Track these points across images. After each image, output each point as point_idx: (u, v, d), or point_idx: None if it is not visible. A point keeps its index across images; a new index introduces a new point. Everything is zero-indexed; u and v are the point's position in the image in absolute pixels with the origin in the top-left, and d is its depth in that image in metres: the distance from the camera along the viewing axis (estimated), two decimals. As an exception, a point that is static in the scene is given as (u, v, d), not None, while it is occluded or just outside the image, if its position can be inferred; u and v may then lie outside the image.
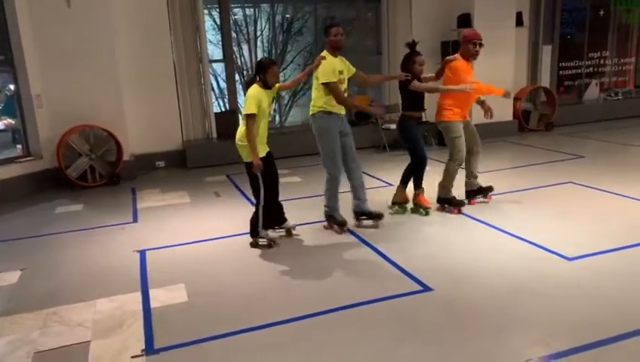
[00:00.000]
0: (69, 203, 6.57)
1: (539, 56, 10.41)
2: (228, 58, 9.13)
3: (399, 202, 5.41)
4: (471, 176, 5.50)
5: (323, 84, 4.66)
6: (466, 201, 5.48)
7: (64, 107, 7.25)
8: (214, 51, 11.26)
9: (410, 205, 5.42)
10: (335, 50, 4.78)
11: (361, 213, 5.06)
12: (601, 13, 11.05)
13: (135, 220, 5.74)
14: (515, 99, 9.82)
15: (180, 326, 3.37)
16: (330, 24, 4.90)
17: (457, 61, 5.17)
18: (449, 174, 5.28)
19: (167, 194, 6.74)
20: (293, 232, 4.92)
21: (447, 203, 5.32)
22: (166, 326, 3.38)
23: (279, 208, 4.87)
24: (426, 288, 3.71)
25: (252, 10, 11.98)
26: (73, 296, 3.87)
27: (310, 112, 4.88)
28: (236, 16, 12.22)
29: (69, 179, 7.18)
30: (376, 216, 5.05)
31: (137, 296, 3.83)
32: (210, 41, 10.98)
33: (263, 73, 4.43)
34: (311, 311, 3.44)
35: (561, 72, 10.99)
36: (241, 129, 4.52)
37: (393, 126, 8.08)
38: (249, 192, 4.81)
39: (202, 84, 8.57)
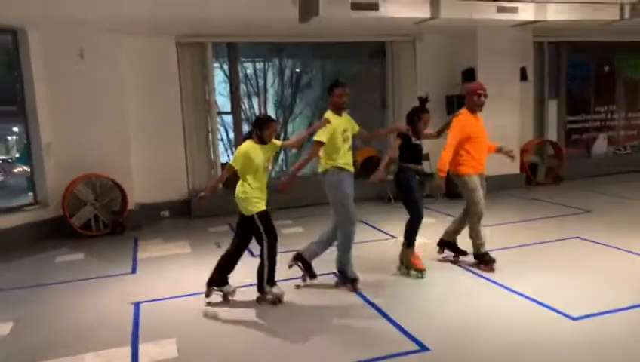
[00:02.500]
0: (71, 252, 6.56)
1: (544, 110, 10.47)
2: (235, 110, 9.29)
3: (413, 268, 5.15)
4: (454, 231, 5.41)
5: (315, 140, 4.69)
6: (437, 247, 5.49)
7: (72, 156, 7.35)
8: (226, 103, 11.50)
9: (402, 268, 5.15)
10: (338, 110, 4.83)
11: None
12: (606, 68, 11.15)
13: (134, 271, 5.70)
14: (522, 152, 9.80)
15: (167, 384, 3.27)
16: (334, 83, 4.85)
17: (460, 115, 5.19)
18: (473, 230, 5.15)
19: (169, 244, 6.71)
20: (231, 298, 4.69)
21: (479, 259, 5.16)
22: (152, 383, 3.28)
23: (230, 268, 4.74)
24: (424, 348, 3.58)
25: (262, 64, 12.28)
26: (62, 349, 3.80)
27: (320, 169, 4.85)
28: (247, 70, 12.54)
29: (73, 227, 7.21)
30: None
31: (127, 350, 3.74)
32: (221, 94, 11.24)
33: (260, 129, 4.48)
34: (302, 371, 3.33)
35: (568, 125, 11.00)
36: (240, 183, 4.55)
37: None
38: (250, 244, 4.75)
39: (210, 135, 8.69)
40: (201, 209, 4.64)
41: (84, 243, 6.96)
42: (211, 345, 3.81)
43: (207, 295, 4.70)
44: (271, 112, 12.02)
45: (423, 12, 7.65)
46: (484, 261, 5.14)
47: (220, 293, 4.71)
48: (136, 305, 4.60)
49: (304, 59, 11.67)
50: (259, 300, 4.61)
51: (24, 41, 7.06)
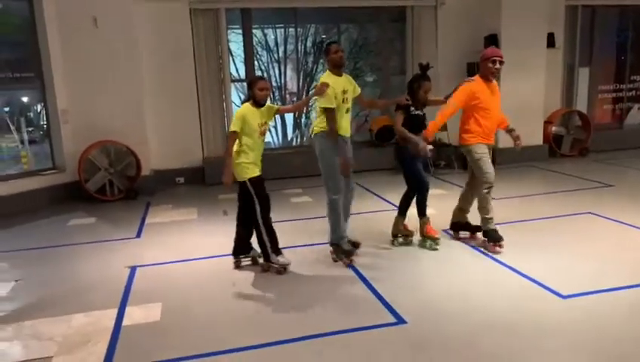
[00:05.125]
0: (84, 216, 6.76)
1: (574, 78, 9.98)
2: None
3: (402, 234, 5.15)
4: (460, 209, 5.21)
5: (322, 108, 4.60)
6: (450, 232, 5.28)
7: (88, 123, 7.52)
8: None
9: (417, 236, 5.11)
10: (337, 68, 4.69)
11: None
12: (645, 34, 10.49)
13: (139, 235, 5.83)
14: (547, 122, 9.42)
15: (143, 347, 3.36)
16: (328, 42, 4.81)
17: (470, 83, 4.95)
18: (481, 201, 4.90)
19: (178, 210, 6.83)
20: (260, 260, 4.71)
21: (486, 236, 4.93)
22: (130, 345, 3.38)
23: (249, 234, 4.71)
24: (401, 321, 3.54)
25: (283, 30, 12.13)
26: (55, 309, 3.95)
27: (312, 132, 4.82)
28: (269, 36, 12.41)
29: (89, 192, 7.42)
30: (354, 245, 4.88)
31: (114, 312, 3.85)
32: (242, 61, 11.18)
33: (251, 90, 4.43)
34: (276, 339, 3.36)
35: (599, 95, 10.47)
36: (235, 148, 4.54)
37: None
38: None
39: (224, 102, 8.70)
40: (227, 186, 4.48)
41: (98, 208, 7.16)
42: (196, 310, 3.87)
43: (237, 265, 4.71)
44: (292, 80, 11.92)
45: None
46: (492, 238, 4.88)
47: (249, 259, 4.76)
48: (133, 269, 4.72)
49: (322, 25, 11.47)
50: (264, 268, 4.60)
51: (39, 8, 7.17)
